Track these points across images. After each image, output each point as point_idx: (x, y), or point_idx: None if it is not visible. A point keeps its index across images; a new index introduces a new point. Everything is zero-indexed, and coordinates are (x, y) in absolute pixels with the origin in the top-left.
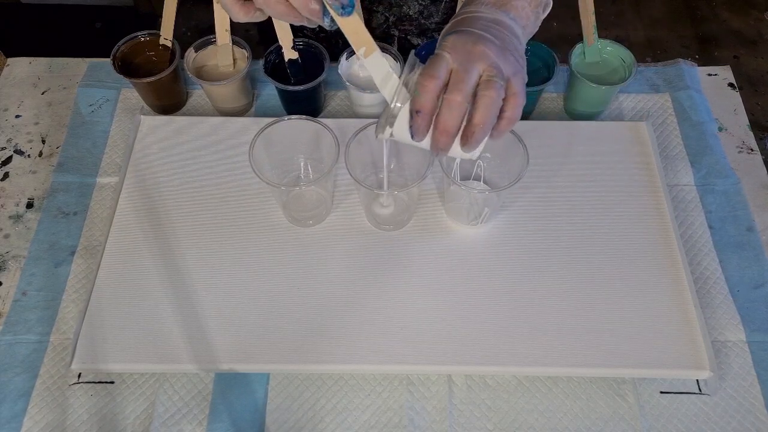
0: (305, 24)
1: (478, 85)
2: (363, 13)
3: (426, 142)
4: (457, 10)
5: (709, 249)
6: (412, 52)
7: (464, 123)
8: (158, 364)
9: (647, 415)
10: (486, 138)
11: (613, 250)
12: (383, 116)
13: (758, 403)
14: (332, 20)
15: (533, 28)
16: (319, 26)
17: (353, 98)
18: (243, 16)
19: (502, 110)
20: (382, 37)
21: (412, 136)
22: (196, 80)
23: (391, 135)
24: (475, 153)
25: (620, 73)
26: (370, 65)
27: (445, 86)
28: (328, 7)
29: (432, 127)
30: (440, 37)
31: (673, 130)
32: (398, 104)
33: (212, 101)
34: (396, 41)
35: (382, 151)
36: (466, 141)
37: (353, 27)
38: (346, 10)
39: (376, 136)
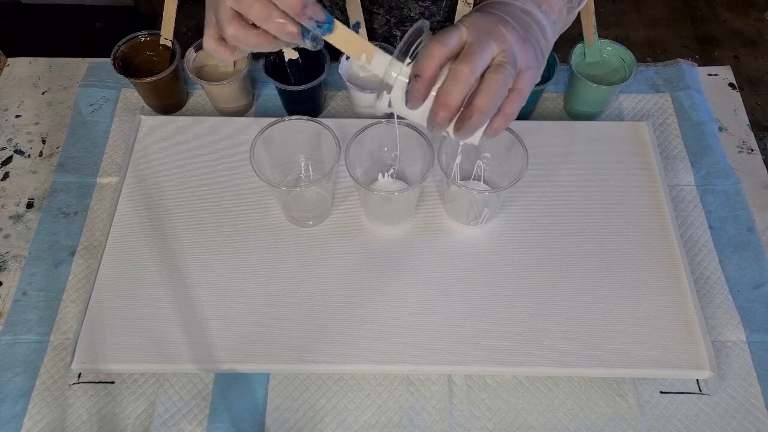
0: (283, 48)
1: (488, 67)
2: (363, 13)
3: (421, 116)
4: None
5: (709, 249)
6: (420, 22)
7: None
8: (158, 364)
9: (647, 415)
10: (482, 128)
11: (613, 250)
12: (383, 83)
13: (758, 403)
14: (313, 39)
15: (565, 23)
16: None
17: (353, 98)
18: (230, 56)
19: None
20: (384, 37)
21: (407, 102)
22: (197, 80)
23: (389, 104)
24: (476, 138)
25: (620, 73)
26: (375, 68)
27: (453, 58)
28: (309, 29)
29: (434, 100)
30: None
31: (674, 130)
32: (393, 74)
33: (212, 101)
34: (398, 40)
35: (383, 149)
36: (462, 125)
37: (343, 38)
38: (323, 27)
39: (375, 105)
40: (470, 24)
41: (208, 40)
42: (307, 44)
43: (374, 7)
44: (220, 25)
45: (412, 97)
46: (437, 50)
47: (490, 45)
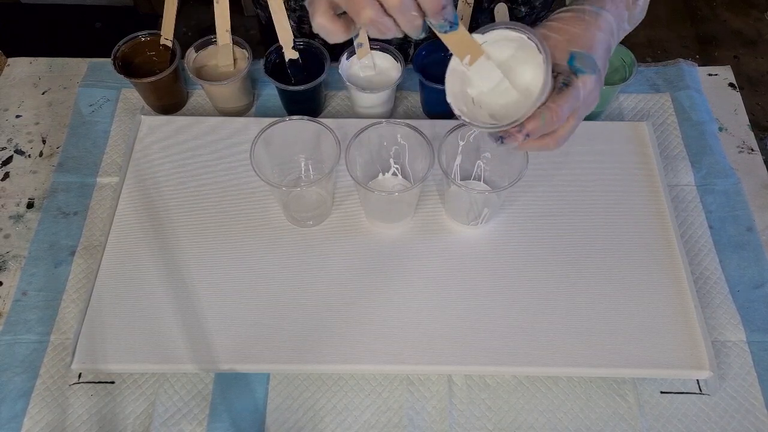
0: (396, 36)
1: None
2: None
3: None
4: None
5: (709, 249)
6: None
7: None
8: (158, 364)
9: (647, 415)
10: None
11: (613, 249)
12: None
13: (758, 403)
14: (427, 30)
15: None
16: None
17: (354, 98)
18: (343, 35)
19: None
20: (378, 42)
21: (501, 141)
22: (197, 80)
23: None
24: None
25: (621, 72)
26: (473, 71)
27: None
28: (430, 25)
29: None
30: (557, 21)
31: (674, 130)
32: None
33: (213, 101)
34: (394, 43)
35: (383, 148)
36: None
37: (458, 38)
38: (453, 28)
39: (451, 103)
40: (583, 84)
41: (322, 17)
42: (420, 35)
43: None
44: (355, 7)
45: (509, 143)
46: (556, 118)
47: (589, 106)
